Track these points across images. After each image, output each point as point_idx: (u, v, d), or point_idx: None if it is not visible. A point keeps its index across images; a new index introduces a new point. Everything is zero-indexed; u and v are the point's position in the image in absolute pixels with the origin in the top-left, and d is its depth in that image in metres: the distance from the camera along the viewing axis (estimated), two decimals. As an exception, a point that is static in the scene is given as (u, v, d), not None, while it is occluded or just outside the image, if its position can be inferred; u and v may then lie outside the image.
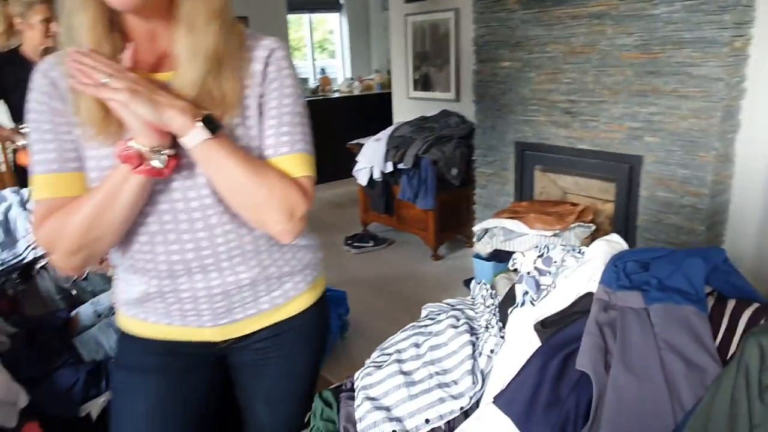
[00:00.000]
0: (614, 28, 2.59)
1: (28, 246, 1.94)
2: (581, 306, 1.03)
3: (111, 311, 1.81)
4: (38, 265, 1.97)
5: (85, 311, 1.82)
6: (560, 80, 2.88)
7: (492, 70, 3.21)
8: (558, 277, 1.12)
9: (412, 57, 4.11)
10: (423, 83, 4.06)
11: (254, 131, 0.92)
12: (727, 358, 0.88)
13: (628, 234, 2.78)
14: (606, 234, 2.93)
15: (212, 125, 0.84)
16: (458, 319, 1.17)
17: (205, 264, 0.94)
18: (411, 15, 4.01)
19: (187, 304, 0.97)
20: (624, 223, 2.79)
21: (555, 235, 2.86)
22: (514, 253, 2.93)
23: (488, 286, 1.27)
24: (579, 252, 1.13)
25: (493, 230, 3.11)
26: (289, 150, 0.92)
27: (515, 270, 1.23)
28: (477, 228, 3.15)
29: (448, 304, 1.30)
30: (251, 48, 0.92)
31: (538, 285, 1.13)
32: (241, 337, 1.04)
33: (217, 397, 1.12)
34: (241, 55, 0.90)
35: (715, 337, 0.91)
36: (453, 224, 3.76)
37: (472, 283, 1.32)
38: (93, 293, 1.95)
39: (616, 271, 1.02)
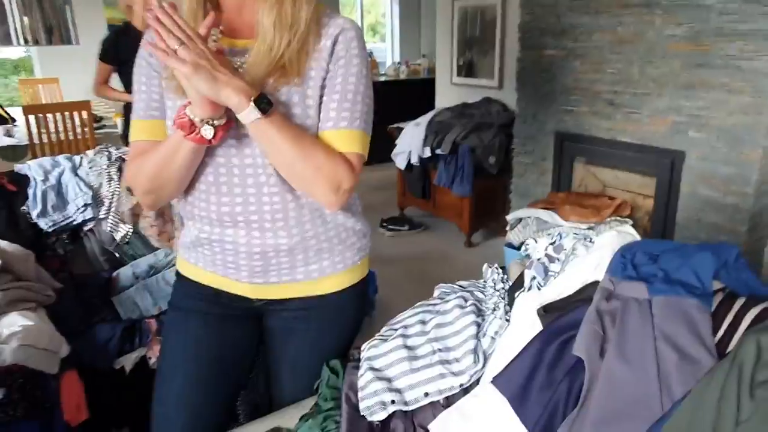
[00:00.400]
0: (663, 18, 2.51)
1: (78, 209, 2.07)
2: (586, 294, 1.04)
3: (147, 274, 1.93)
4: (86, 228, 2.11)
5: (124, 273, 1.94)
6: (605, 70, 2.81)
7: (536, 58, 3.16)
8: (567, 265, 1.13)
9: (457, 42, 4.08)
10: (467, 69, 4.04)
11: (311, 102, 0.98)
12: (725, 354, 0.88)
13: (666, 231, 2.71)
14: (644, 231, 2.88)
15: (264, 105, 0.90)
16: (466, 300, 1.20)
17: (250, 220, 1.01)
18: (459, 0, 3.98)
19: (229, 255, 1.06)
20: (663, 219, 2.72)
21: (590, 228, 2.82)
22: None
23: (500, 270, 1.29)
24: (590, 241, 1.14)
25: (526, 220, 3.09)
26: (346, 125, 0.98)
27: (527, 255, 1.24)
28: (510, 217, 3.13)
29: (460, 285, 1.33)
30: (325, 25, 0.98)
31: (546, 271, 1.14)
32: (274, 300, 1.11)
33: (251, 351, 1.20)
34: (315, 30, 0.97)
35: (716, 333, 0.91)
36: (488, 212, 3.75)
37: (485, 266, 1.34)
38: (133, 256, 2.07)
39: (624, 262, 1.03)
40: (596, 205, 2.90)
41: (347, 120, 0.98)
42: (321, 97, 0.99)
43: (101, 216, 2.10)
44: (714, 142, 2.42)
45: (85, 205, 2.06)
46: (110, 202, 2.12)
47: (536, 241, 1.20)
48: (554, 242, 1.18)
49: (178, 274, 1.18)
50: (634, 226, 2.77)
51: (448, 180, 3.60)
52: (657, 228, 2.77)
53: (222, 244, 1.05)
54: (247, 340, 1.18)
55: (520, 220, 3.11)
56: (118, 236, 2.10)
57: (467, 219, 3.64)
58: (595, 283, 1.04)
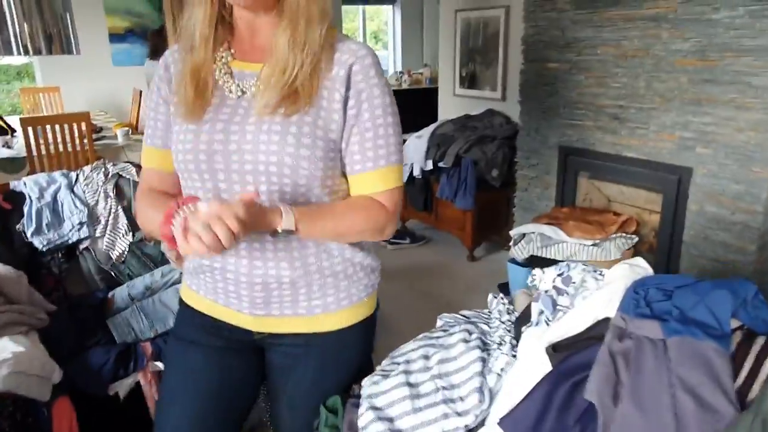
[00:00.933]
0: (670, 32, 2.47)
1: (73, 227, 2.04)
2: (597, 331, 0.99)
3: (143, 295, 1.88)
4: (81, 246, 2.07)
5: (120, 293, 1.90)
6: (609, 84, 2.77)
7: (539, 71, 3.13)
8: (576, 299, 1.08)
9: (460, 54, 4.05)
10: (470, 81, 4.00)
11: (321, 133, 0.95)
12: (746, 401, 0.83)
13: (672, 249, 2.67)
14: (650, 247, 2.83)
15: (290, 219, 0.89)
16: (471, 333, 1.16)
17: (252, 248, 0.99)
18: (461, 11, 3.95)
19: (230, 285, 1.03)
20: (669, 237, 2.67)
21: (594, 244, 2.77)
22: (551, 260, 2.89)
23: (506, 300, 1.24)
24: (600, 274, 1.09)
25: (530, 235, 3.04)
26: (384, 163, 0.98)
27: (534, 286, 1.19)
28: (514, 232, 3.08)
29: (463, 316, 1.28)
30: (337, 50, 0.96)
31: (554, 305, 1.09)
32: (275, 334, 1.07)
33: (253, 385, 1.16)
34: (328, 55, 0.95)
35: (736, 378, 0.86)
36: (491, 226, 3.70)
37: (490, 296, 1.29)
38: (130, 276, 2.03)
39: (636, 298, 0.98)
40: (601, 221, 2.86)
41: (384, 158, 0.97)
42: (336, 128, 0.96)
43: (97, 234, 2.06)
44: (722, 158, 2.37)
45: (81, 224, 2.03)
46: (106, 220, 2.08)
47: (543, 272, 1.16)
48: (562, 273, 1.13)
49: (181, 300, 1.15)
50: (639, 242, 2.74)
51: (450, 193, 3.56)
52: (663, 245, 2.72)
53: (224, 272, 1.02)
54: (248, 373, 1.14)
55: (524, 235, 3.07)
56: (114, 254, 2.07)
57: (470, 233, 3.60)
58: (607, 320, 0.99)
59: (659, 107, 2.58)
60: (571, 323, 1.02)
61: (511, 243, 3.13)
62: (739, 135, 2.31)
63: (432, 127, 3.81)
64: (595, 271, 1.10)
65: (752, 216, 2.32)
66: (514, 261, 3.16)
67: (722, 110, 2.35)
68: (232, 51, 1.00)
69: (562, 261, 2.85)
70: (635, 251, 2.76)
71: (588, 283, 1.08)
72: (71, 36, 5.48)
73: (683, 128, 2.51)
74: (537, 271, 1.17)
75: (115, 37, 5.70)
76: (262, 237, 0.97)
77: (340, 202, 1.00)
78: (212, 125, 0.96)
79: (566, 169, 3.12)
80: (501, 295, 1.26)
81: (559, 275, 1.13)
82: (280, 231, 0.89)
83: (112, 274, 2.05)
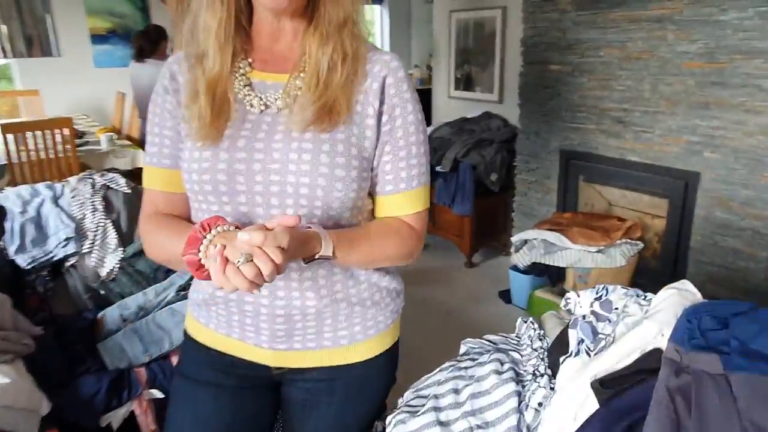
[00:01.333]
0: (676, 33, 2.41)
1: (59, 243, 1.91)
2: (647, 364, 0.91)
3: (136, 316, 1.77)
4: (68, 263, 1.95)
5: (111, 314, 1.78)
6: (613, 87, 2.71)
7: (540, 73, 3.06)
8: (618, 326, 1.00)
9: (455, 55, 3.97)
10: (465, 83, 3.92)
11: (355, 151, 0.87)
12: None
13: (679, 255, 2.61)
14: (654, 252, 2.78)
15: (329, 245, 0.81)
16: (503, 363, 1.07)
17: (275, 278, 0.87)
18: (456, 11, 3.87)
19: (248, 317, 0.93)
20: (676, 242, 2.62)
21: (599, 251, 2.71)
22: (553, 267, 2.82)
23: (536, 325, 1.16)
24: (644, 298, 1.01)
25: (532, 242, 2.97)
26: (416, 184, 0.92)
27: (568, 310, 1.11)
28: (516, 239, 3.01)
29: (490, 341, 1.20)
30: (369, 60, 0.89)
31: (595, 332, 1.01)
32: (296, 369, 0.97)
33: (267, 425, 1.07)
34: (360, 66, 0.88)
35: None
36: (490, 231, 3.63)
37: (519, 320, 1.20)
38: (120, 294, 1.91)
39: (690, 328, 0.90)
40: (605, 227, 2.80)
41: (416, 178, 0.91)
42: (369, 145, 0.88)
43: (84, 250, 1.94)
44: (732, 163, 2.32)
45: (67, 239, 1.90)
46: (94, 235, 1.96)
47: (578, 295, 1.07)
48: (600, 297, 1.05)
49: (186, 333, 1.04)
50: (643, 249, 2.68)
51: (448, 198, 3.48)
52: (669, 251, 2.66)
53: (241, 304, 0.92)
54: (262, 412, 1.04)
55: (526, 241, 2.99)
56: (103, 272, 1.95)
57: (468, 239, 3.52)
58: (657, 352, 0.91)
59: (665, 110, 2.52)
60: (617, 355, 0.94)
61: (512, 249, 3.06)
62: (748, 139, 2.26)
63: (428, 130, 3.72)
64: (638, 296, 1.02)
65: (763, 222, 2.27)
66: (515, 268, 3.10)
67: (731, 114, 2.30)
68: (250, 60, 0.90)
69: (566, 267, 2.80)
70: (640, 257, 2.70)
71: (630, 309, 1.00)
72: (51, 38, 5.30)
73: (690, 132, 2.45)
74: (571, 294, 1.09)
75: (97, 38, 5.53)
76: (288, 264, 0.87)
77: (371, 226, 0.92)
78: (232, 142, 0.85)
79: (567, 173, 3.06)
80: (530, 319, 1.18)
81: (596, 299, 1.05)
82: (315, 258, 0.80)
83: (101, 292, 1.93)
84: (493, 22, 3.57)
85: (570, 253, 2.78)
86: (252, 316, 0.92)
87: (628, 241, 2.69)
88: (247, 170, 0.84)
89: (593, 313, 1.04)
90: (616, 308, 1.01)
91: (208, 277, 0.72)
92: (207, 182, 0.85)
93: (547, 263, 2.86)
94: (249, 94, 0.87)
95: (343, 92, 0.85)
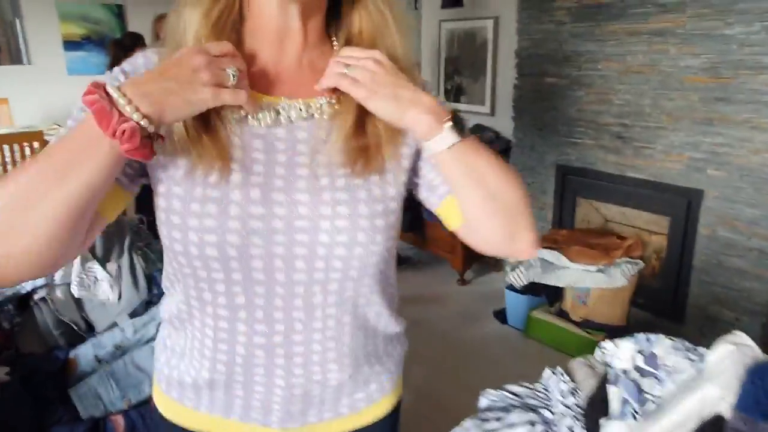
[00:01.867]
0: (678, 47, 2.34)
1: (26, 274, 1.74)
2: (706, 435, 0.80)
3: (113, 356, 1.61)
4: (36, 296, 1.77)
5: (84, 354, 1.62)
6: (612, 101, 2.63)
7: (535, 86, 2.97)
8: (665, 384, 0.88)
9: (445, 66, 3.87)
10: (455, 94, 3.83)
11: (393, 206, 0.71)
12: None
13: (681, 274, 2.53)
14: (652, 270, 2.70)
15: (459, 124, 0.66)
16: (534, 424, 0.95)
17: (292, 353, 0.72)
18: (446, 21, 3.77)
19: (255, 397, 0.76)
20: (678, 262, 2.54)
21: (599, 270, 2.63)
22: (551, 287, 2.72)
23: (566, 377, 1.04)
24: (695, 352, 0.90)
25: (529, 261, 2.88)
26: None
27: (605, 363, 0.99)
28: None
29: (514, 394, 1.07)
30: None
31: (640, 391, 0.90)
32: None
33: None
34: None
35: None
36: (482, 247, 3.52)
37: (546, 371, 1.09)
38: (91, 327, 1.74)
39: (756, 392, 0.79)
40: (604, 245, 2.71)
41: None
42: (407, 180, 0.73)
43: (56, 282, 1.77)
44: (737, 181, 2.25)
45: (36, 270, 1.73)
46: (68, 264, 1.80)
47: (617, 345, 0.96)
48: (643, 350, 0.93)
49: (160, 416, 0.85)
50: (642, 267, 2.60)
51: (440, 214, 3.36)
52: (671, 270, 2.59)
53: (248, 386, 0.75)
54: None
55: (522, 260, 2.90)
56: (107, 292, 1.76)
57: (460, 255, 3.41)
58: (719, 420, 0.80)
59: (667, 126, 2.45)
60: (672, 422, 0.82)
61: (507, 268, 2.95)
62: (754, 157, 2.20)
63: (418, 143, 3.61)
64: (686, 349, 0.91)
65: (770, 242, 2.20)
66: (511, 287, 3.00)
67: (736, 130, 2.23)
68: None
69: (565, 287, 2.70)
70: (640, 275, 2.62)
71: (680, 365, 0.89)
72: (21, 45, 5.07)
73: (693, 149, 2.38)
74: (608, 344, 0.97)
75: (70, 44, 5.31)
76: (308, 336, 0.72)
77: None
78: (243, 191, 0.65)
79: (564, 188, 2.97)
80: (559, 369, 1.06)
81: (639, 352, 0.94)
82: (429, 140, 0.65)
83: (74, 327, 1.76)
84: (485, 33, 3.48)
85: (569, 272, 2.69)
86: (262, 396, 0.76)
87: (628, 259, 2.61)
88: (265, 229, 0.66)
89: (637, 368, 0.93)
90: (666, 365, 0.89)
91: (147, 155, 0.58)
92: (212, 245, 0.65)
93: (545, 283, 2.76)
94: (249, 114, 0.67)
95: (391, 134, 0.69)
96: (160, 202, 0.67)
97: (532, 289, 2.88)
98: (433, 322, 3.02)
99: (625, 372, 0.94)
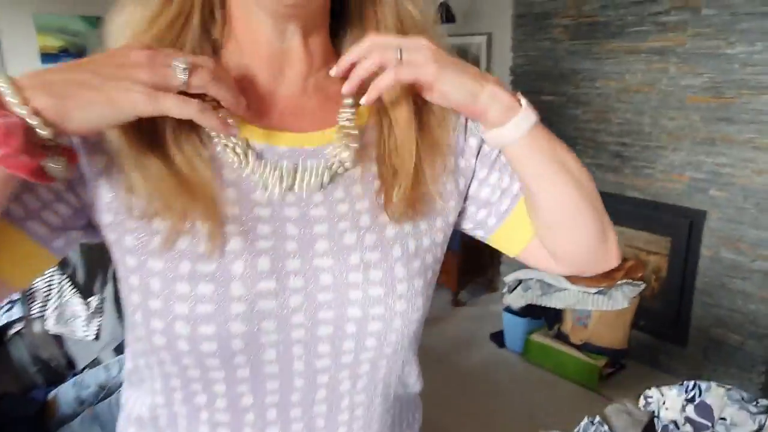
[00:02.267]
0: (679, 66, 2.32)
1: (1, 308, 1.61)
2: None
3: (97, 397, 1.48)
4: (12, 331, 1.64)
5: (64, 395, 1.49)
6: (611, 120, 2.59)
7: (531, 103, 2.92)
8: (721, 440, 0.80)
9: (436, 82, 3.82)
10: (446, 111, 3.77)
11: (442, 243, 0.60)
12: None
13: (684, 296, 2.49)
14: (652, 292, 2.64)
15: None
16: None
17: (314, 428, 0.58)
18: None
19: None
20: (680, 284, 2.49)
21: (599, 292, 2.57)
22: (550, 309, 2.65)
23: (605, 427, 0.96)
24: (755, 404, 0.82)
25: (528, 282, 2.81)
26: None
27: (651, 412, 0.91)
28: (510, 279, 2.84)
29: (547, 445, 0.99)
30: None
31: (691, 448, 0.81)
32: None
33: None
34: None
35: None
36: (475, 266, 3.45)
37: (585, 421, 1.00)
38: (74, 367, 1.62)
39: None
40: (604, 266, 2.66)
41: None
42: (453, 220, 0.61)
43: (33, 315, 1.64)
44: (740, 202, 2.22)
45: (11, 303, 1.60)
46: (46, 295, 1.67)
47: (662, 394, 0.88)
48: (693, 399, 0.86)
49: None
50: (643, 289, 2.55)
51: (433, 233, 3.28)
52: (672, 292, 2.54)
53: None
54: None
55: (520, 281, 2.83)
56: (79, 333, 1.64)
57: (455, 276, 3.33)
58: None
59: (667, 146, 2.41)
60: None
61: (504, 290, 2.88)
62: (758, 177, 2.17)
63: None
64: (744, 400, 0.83)
65: (776, 264, 2.17)
66: (509, 310, 2.92)
67: (739, 150, 2.20)
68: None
69: (565, 308, 2.63)
70: (641, 297, 2.57)
71: (736, 417, 0.81)
72: (-5, 57, 4.90)
73: (695, 169, 2.35)
74: (653, 392, 0.89)
75: (47, 57, 5.15)
76: (335, 409, 0.58)
77: None
78: (249, 261, 0.50)
79: (561, 208, 2.92)
80: (598, 419, 0.97)
81: (688, 400, 0.86)
82: (505, 124, 0.51)
83: (51, 365, 1.63)
84: (478, 49, 3.44)
85: (568, 294, 2.63)
86: None
87: (630, 281, 2.56)
88: (280, 309, 0.51)
89: (688, 420, 0.84)
90: (724, 418, 0.81)
91: (34, 172, 0.40)
92: (210, 339, 0.49)
93: (544, 305, 2.70)
94: (259, 169, 0.51)
95: (438, 171, 0.56)
96: (131, 279, 0.50)
97: (531, 311, 2.80)
98: (429, 346, 2.92)
99: (675, 423, 0.86)
